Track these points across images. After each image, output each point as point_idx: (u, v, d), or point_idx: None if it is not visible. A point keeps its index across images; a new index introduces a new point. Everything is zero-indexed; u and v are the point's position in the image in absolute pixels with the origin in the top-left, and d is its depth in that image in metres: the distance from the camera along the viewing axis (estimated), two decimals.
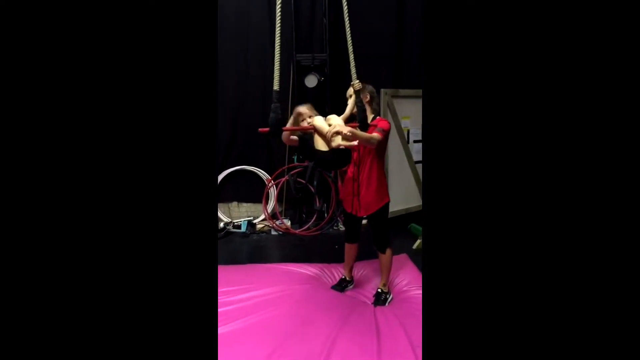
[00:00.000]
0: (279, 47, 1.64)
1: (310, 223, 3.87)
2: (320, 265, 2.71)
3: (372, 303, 2.23)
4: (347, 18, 1.69)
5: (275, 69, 1.64)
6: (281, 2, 1.64)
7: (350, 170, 2.19)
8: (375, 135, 1.96)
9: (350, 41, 1.70)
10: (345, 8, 1.69)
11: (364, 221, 2.29)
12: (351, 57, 1.72)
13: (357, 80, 1.77)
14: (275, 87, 1.65)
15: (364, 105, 1.79)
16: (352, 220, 2.32)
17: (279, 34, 1.63)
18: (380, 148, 2.10)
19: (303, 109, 2.03)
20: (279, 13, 1.64)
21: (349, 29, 1.70)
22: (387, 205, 2.22)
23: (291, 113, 2.04)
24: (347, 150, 1.83)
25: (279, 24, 1.63)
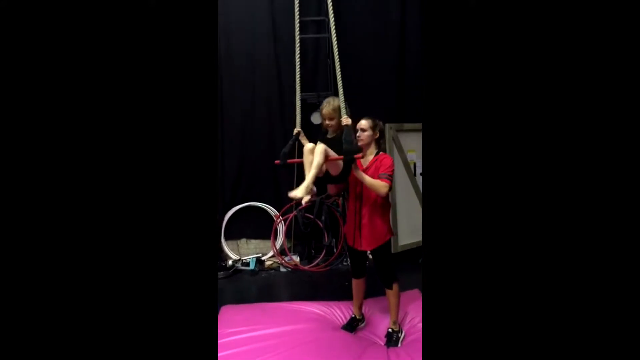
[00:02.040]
0: (299, 94, 2.00)
1: (319, 259, 3.82)
2: (330, 303, 2.64)
3: (384, 344, 2.15)
4: (337, 57, 1.88)
5: (297, 111, 2.04)
6: (300, 51, 1.96)
7: (353, 203, 2.17)
8: (384, 186, 1.96)
9: (341, 80, 1.87)
10: (335, 48, 1.89)
11: (370, 255, 2.26)
12: (340, 91, 1.87)
13: (346, 116, 1.86)
14: (297, 128, 2.07)
15: (351, 138, 1.82)
16: (356, 255, 2.28)
17: (299, 80, 1.97)
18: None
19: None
20: (298, 60, 1.94)
21: (339, 70, 1.88)
22: (389, 242, 2.17)
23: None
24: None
25: (299, 71, 1.97)
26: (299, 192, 1.71)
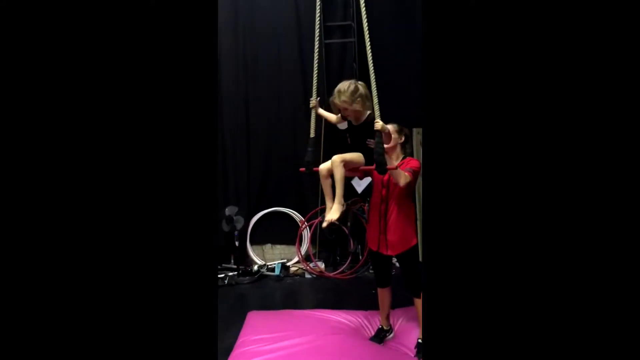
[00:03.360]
0: (315, 98, 1.94)
1: (344, 266, 3.76)
2: (357, 312, 2.59)
3: (414, 355, 2.08)
4: (371, 61, 1.82)
5: (312, 117, 1.95)
6: (320, 54, 1.96)
7: (377, 206, 2.12)
8: (404, 176, 1.92)
9: (375, 85, 1.79)
10: (368, 52, 1.84)
11: (395, 261, 2.19)
12: (374, 92, 1.80)
13: (380, 122, 1.77)
14: (312, 134, 1.97)
15: (382, 148, 1.75)
16: (380, 261, 2.22)
17: (316, 84, 1.95)
18: (409, 186, 2.03)
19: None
20: (316, 68, 1.93)
21: (373, 75, 1.81)
22: (416, 247, 2.11)
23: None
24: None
25: (316, 80, 1.96)
26: (335, 215, 1.77)
